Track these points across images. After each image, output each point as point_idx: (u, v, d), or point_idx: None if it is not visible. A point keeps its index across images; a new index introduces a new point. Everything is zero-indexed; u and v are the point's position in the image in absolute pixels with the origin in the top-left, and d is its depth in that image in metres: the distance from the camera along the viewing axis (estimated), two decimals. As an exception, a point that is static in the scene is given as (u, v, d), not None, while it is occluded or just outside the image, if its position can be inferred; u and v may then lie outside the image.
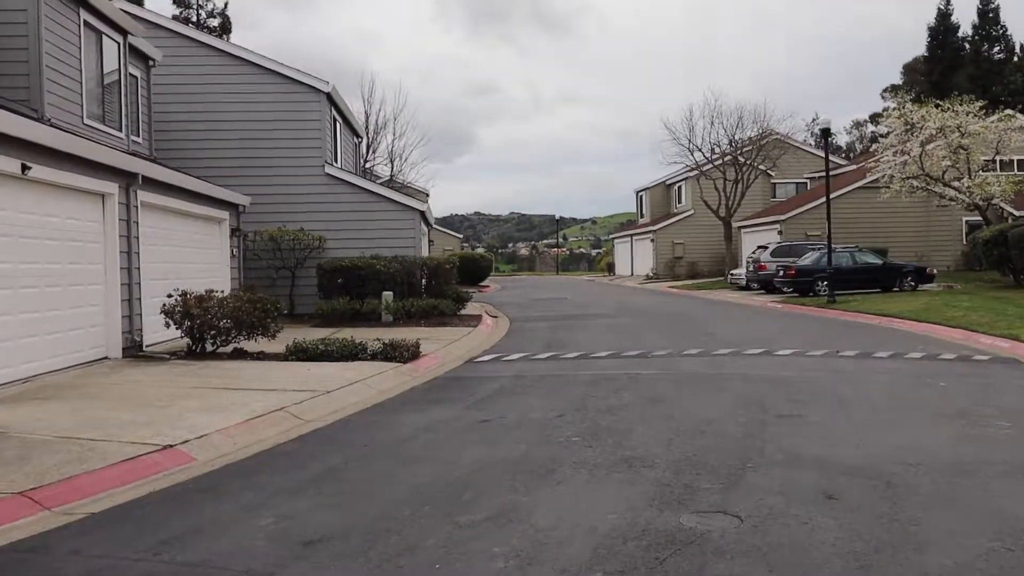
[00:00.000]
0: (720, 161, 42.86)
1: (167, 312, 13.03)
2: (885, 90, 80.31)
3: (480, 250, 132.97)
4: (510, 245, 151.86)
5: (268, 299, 13.94)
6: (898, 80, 79.89)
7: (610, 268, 65.33)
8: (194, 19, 54.40)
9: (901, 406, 8.67)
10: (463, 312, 22.80)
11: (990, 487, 5.59)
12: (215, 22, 55.50)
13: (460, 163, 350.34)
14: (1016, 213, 36.46)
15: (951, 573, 4.13)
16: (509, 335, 18.35)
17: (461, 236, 63.62)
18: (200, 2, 55.59)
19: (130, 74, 16.39)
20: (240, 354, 13.33)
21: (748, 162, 42.05)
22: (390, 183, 41.20)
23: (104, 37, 14.80)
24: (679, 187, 52.76)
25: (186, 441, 7.52)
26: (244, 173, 21.51)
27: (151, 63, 18.29)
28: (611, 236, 70.09)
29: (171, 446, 7.28)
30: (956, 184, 31.98)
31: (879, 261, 29.75)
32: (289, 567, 4.39)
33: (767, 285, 31.12)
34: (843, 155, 73.03)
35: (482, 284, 49.22)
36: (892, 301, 23.48)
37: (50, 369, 11.08)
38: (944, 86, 57.60)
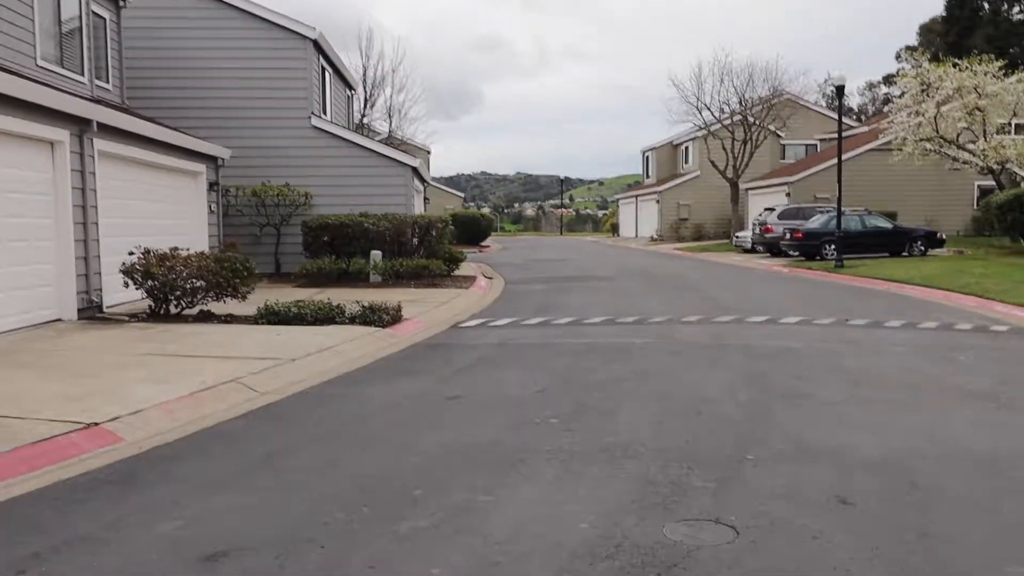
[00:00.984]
0: (729, 120, 41.59)
1: (126, 272, 12.14)
2: (900, 51, 78.54)
3: (485, 210, 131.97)
4: (516, 205, 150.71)
5: (238, 258, 13.04)
6: (914, 41, 77.88)
7: (614, 229, 64.26)
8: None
9: (919, 384, 7.79)
10: (457, 273, 21.91)
11: (1033, 490, 4.73)
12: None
13: (466, 121, 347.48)
14: (1031, 177, 35.25)
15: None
16: (501, 298, 17.47)
17: (463, 195, 62.47)
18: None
19: (97, 15, 15.35)
20: (206, 317, 12.47)
21: (757, 122, 40.80)
22: (388, 139, 40.10)
23: (65, -27, 13.76)
24: (686, 147, 51.51)
25: (116, 418, 6.67)
26: (225, 124, 20.48)
27: (121, 4, 17.19)
28: (616, 197, 68.89)
29: (96, 424, 6.43)
30: (971, 147, 30.86)
31: (889, 225, 28.75)
32: (177, 590, 3.56)
33: (773, 248, 30.17)
34: (855, 117, 71.42)
35: (483, 244, 48.27)
36: (902, 266, 22.54)
37: (-8, 331, 10.24)
38: (961, 47, 55.93)
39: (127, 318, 12.32)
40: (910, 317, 12.86)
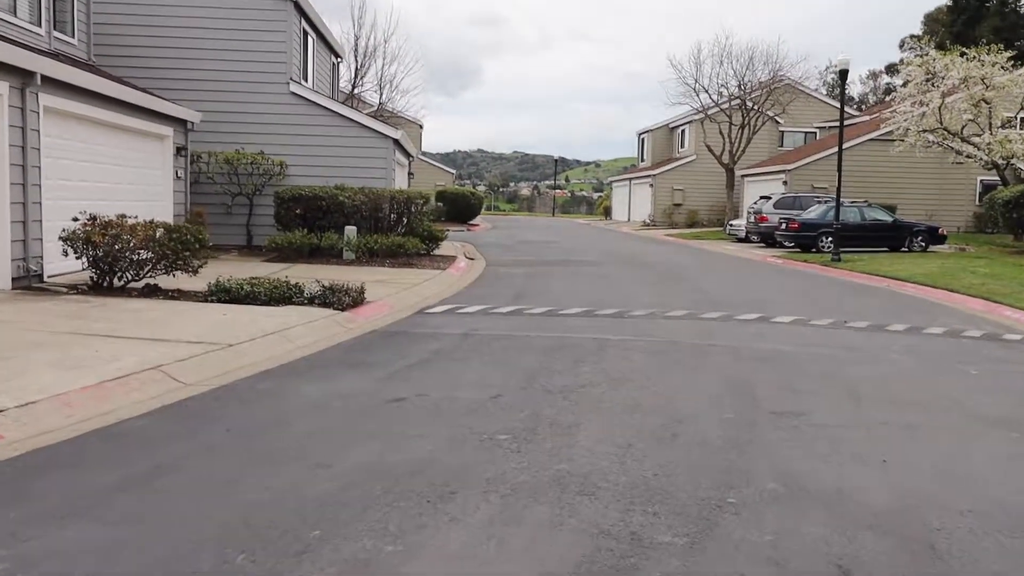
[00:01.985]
0: (727, 104, 40.50)
1: (66, 239, 11.12)
2: (905, 39, 77.33)
3: (481, 188, 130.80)
4: (512, 184, 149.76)
5: (189, 229, 12.02)
6: (918, 30, 76.77)
7: (607, 212, 63.22)
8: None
9: (931, 403, 6.86)
10: (437, 252, 20.93)
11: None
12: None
13: (465, 98, 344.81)
14: (1034, 174, 34.32)
15: None
16: (479, 281, 16.50)
17: (454, 171, 61.26)
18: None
19: (54, -39, 14.22)
20: (151, 292, 11.47)
21: (756, 107, 39.72)
22: (379, 111, 38.91)
23: (13, -88, 12.64)
24: (682, 131, 50.41)
25: (1, 411, 5.73)
26: (199, 87, 19.41)
27: (85, -47, 16.05)
28: (611, 180, 67.77)
29: (-32, 419, 5.48)
30: (976, 140, 29.91)
31: (889, 218, 27.80)
32: None
33: (768, 238, 29.21)
34: (856, 106, 70.30)
35: (472, 222, 47.20)
36: (902, 262, 21.62)
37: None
38: (966, 37, 54.78)
39: (65, 290, 11.33)
40: (914, 320, 11.94)
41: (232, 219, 19.75)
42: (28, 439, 5.42)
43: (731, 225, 34.76)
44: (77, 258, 11.32)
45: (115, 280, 11.50)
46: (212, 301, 11.00)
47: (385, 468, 4.78)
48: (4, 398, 6.02)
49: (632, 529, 3.91)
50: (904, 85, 33.15)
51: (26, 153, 11.26)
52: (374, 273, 15.93)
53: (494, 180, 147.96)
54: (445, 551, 3.67)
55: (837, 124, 47.26)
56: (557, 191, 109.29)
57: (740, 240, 32.33)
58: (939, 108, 30.27)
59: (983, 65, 29.66)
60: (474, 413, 6.05)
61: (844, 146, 35.65)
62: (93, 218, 11.33)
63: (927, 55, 31.48)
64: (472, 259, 21.65)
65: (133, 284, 11.66)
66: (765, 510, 4.23)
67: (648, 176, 49.70)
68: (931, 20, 70.63)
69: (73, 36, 16.11)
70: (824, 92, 62.99)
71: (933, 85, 30.73)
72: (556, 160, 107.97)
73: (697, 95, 41.14)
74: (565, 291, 14.55)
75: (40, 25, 14.05)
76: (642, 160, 56.35)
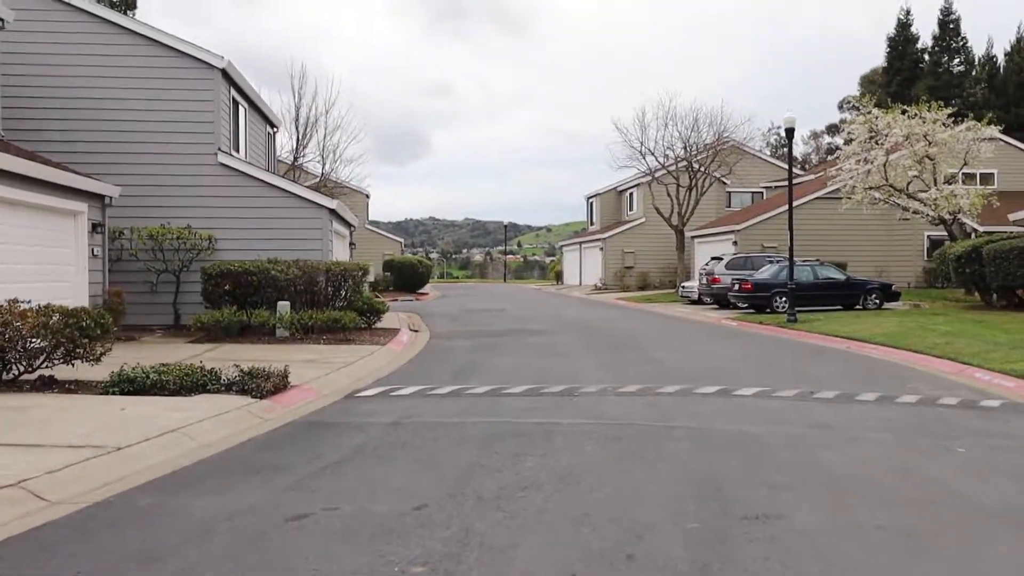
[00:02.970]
0: (674, 166, 40.42)
1: (-55, 328, 9.89)
2: (843, 101, 79.21)
3: (434, 255, 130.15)
4: (464, 251, 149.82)
5: (91, 313, 10.84)
6: (855, 91, 78.82)
7: (558, 277, 62.70)
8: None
9: (921, 496, 5.94)
10: (378, 325, 19.87)
11: None
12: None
13: (416, 167, 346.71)
14: (980, 228, 34.53)
15: None
16: (420, 356, 15.45)
17: (402, 240, 60.33)
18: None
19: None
20: (46, 384, 10.22)
21: (703, 168, 39.68)
22: (322, 182, 38.09)
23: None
24: (630, 194, 50.35)
25: None
26: (120, 160, 18.39)
27: (-7, 21, 15.06)
28: (561, 244, 67.46)
29: None
30: (922, 195, 29.97)
31: (842, 276, 27.48)
32: None
33: (721, 300, 28.69)
34: (799, 166, 71.37)
35: (420, 292, 46.23)
36: (859, 321, 21.08)
37: None
38: (902, 97, 56.03)
39: (-57, 386, 10.03)
40: (883, 387, 11.15)
41: (158, 297, 18.52)
42: None
43: (683, 287, 34.24)
44: (-39, 349, 10.06)
45: (3, 373, 10.24)
46: (113, 393, 9.80)
47: (260, 629, 3.69)
48: None
49: None
50: (848, 143, 33.34)
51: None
52: (307, 351, 14.83)
53: (446, 247, 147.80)
54: None
55: (783, 183, 47.68)
56: (509, 256, 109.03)
57: (693, 302, 31.78)
58: (884, 165, 30.37)
59: (924, 122, 29.90)
60: (390, 534, 4.98)
61: (793, 205, 35.74)
62: (-19, 304, 10.13)
63: (869, 113, 31.68)
64: (416, 331, 20.63)
65: (26, 376, 10.42)
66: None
67: (598, 240, 49.36)
68: (867, 81, 72.45)
69: (-22, 108, 15.03)
70: (768, 153, 63.84)
71: (877, 143, 30.89)
72: (506, 226, 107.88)
73: (644, 158, 41.09)
74: (510, 366, 13.56)
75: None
76: (592, 224, 56.14)
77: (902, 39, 63.76)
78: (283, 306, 17.03)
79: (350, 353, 14.70)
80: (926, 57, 63.52)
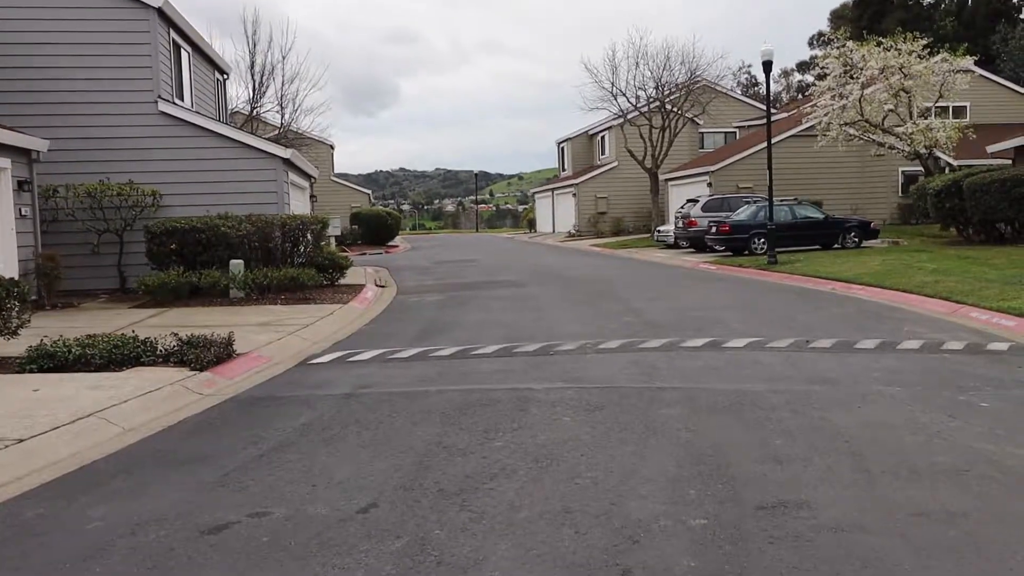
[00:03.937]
0: (646, 107, 39.19)
1: None
2: (813, 37, 77.95)
3: (405, 207, 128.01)
4: (436, 202, 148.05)
5: (3, 281, 9.69)
6: (825, 27, 77.48)
7: (531, 225, 61.54)
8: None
9: (960, 466, 5.07)
10: (342, 282, 18.80)
11: None
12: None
13: (385, 117, 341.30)
14: (954, 163, 33.87)
15: None
16: (384, 314, 14.45)
17: (370, 192, 58.68)
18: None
19: None
20: (-45, 363, 9.12)
21: (676, 108, 38.49)
22: (283, 133, 36.52)
23: None
24: (602, 137, 49.10)
25: None
26: (50, 111, 16.91)
27: None
28: (534, 191, 66.15)
29: None
30: (898, 130, 29.17)
31: (820, 215, 26.69)
32: None
33: (698, 243, 27.82)
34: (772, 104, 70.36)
35: (390, 244, 45.00)
36: (841, 261, 20.31)
37: None
38: (873, 32, 54.85)
39: None
40: (881, 332, 10.34)
41: (101, 260, 17.23)
42: None
43: (659, 231, 33.35)
44: None
45: (-91, 351, 9.13)
46: (30, 371, 8.71)
47: None
48: None
49: None
50: (821, 78, 32.34)
51: None
52: (262, 313, 13.77)
53: (418, 198, 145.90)
54: None
55: (756, 122, 46.68)
56: (481, 206, 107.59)
57: (669, 246, 30.92)
58: (859, 100, 29.48)
59: (900, 54, 28.98)
60: (327, 549, 4.03)
61: (765, 144, 34.78)
62: None
63: (844, 47, 30.68)
64: (382, 286, 19.58)
65: (-66, 354, 9.31)
66: None
67: (570, 185, 48.21)
68: (837, 17, 71.12)
69: None
70: (739, 92, 62.63)
71: (852, 77, 29.98)
72: (476, 174, 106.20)
73: (615, 99, 39.73)
74: (481, 322, 12.60)
75: None
76: (563, 170, 54.91)
77: (872, -29, 62.42)
78: (235, 265, 15.89)
79: (309, 313, 13.67)
80: (897, -11, 62.33)
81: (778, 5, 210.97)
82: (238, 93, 46.32)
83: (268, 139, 21.56)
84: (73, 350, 8.85)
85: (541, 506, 4.50)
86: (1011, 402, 6.67)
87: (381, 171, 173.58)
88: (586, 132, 51.54)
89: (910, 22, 57.56)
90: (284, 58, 37.76)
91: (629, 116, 39.49)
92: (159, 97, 17.59)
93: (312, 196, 25.24)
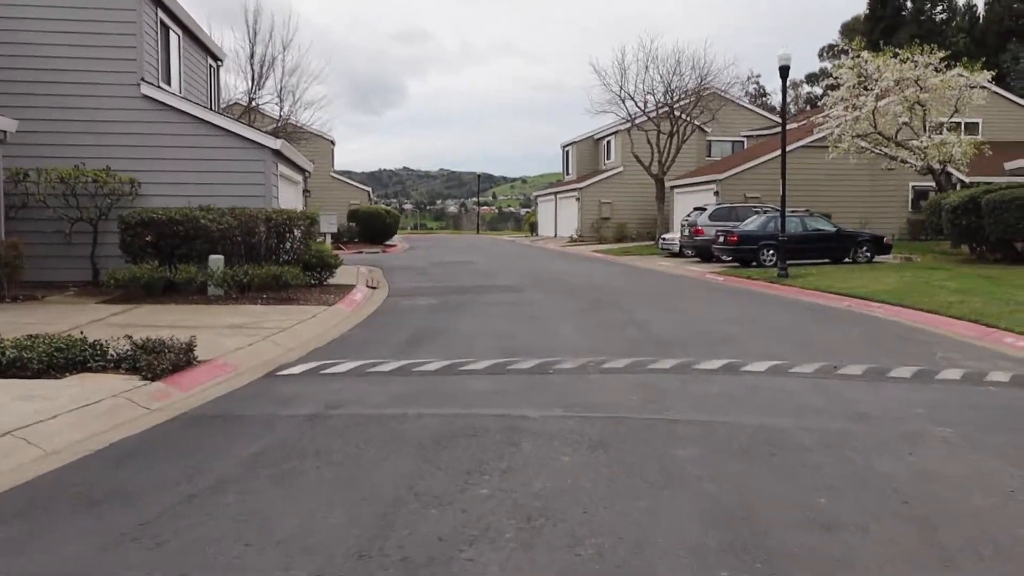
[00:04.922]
0: (654, 112, 38.22)
1: None
2: (823, 49, 77.12)
3: (408, 206, 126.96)
4: (439, 202, 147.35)
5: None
6: (836, 40, 76.62)
7: (533, 228, 60.52)
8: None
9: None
10: (331, 281, 17.82)
11: None
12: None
13: (391, 116, 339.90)
14: (966, 179, 32.94)
15: None
16: (372, 319, 13.45)
17: (369, 189, 57.51)
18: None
19: None
20: None
21: (684, 115, 37.51)
22: (282, 126, 35.57)
23: None
24: (608, 142, 48.15)
25: None
26: (23, 91, 15.97)
27: None
28: (536, 194, 65.10)
29: None
30: (912, 144, 28.22)
31: (832, 228, 25.74)
32: None
33: (704, 252, 26.84)
34: (778, 114, 69.54)
35: (388, 243, 44.01)
36: (855, 276, 19.34)
37: None
38: (884, 46, 54.16)
39: None
40: (911, 357, 9.35)
41: (73, 250, 16.21)
42: None
43: (664, 239, 32.36)
44: None
45: None
46: (-42, 374, 7.71)
47: None
48: None
49: None
50: (834, 88, 31.40)
51: None
52: (238, 314, 12.78)
53: (420, 198, 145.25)
54: None
55: (765, 132, 45.75)
56: (483, 208, 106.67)
57: (673, 255, 29.95)
58: (873, 112, 28.54)
59: (916, 66, 28.06)
60: (244, 647, 3.03)
61: (776, 154, 33.71)
62: None
63: (859, 57, 29.77)
64: (374, 287, 18.58)
65: None
66: None
67: (574, 190, 47.24)
68: (848, 30, 70.32)
69: None
70: (747, 101, 61.67)
71: (866, 88, 29.05)
72: (479, 176, 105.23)
73: (623, 102, 38.77)
74: (474, 330, 11.61)
75: None
76: (567, 174, 53.95)
77: (886, -15, 61.65)
78: (215, 260, 14.89)
79: (289, 315, 12.67)
80: (908, 4, 61.58)
81: (787, 18, 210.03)
82: (237, 84, 45.17)
83: (267, 132, 20.55)
84: (7, 352, 7.85)
85: (531, 590, 3.50)
86: (1086, 452, 5.68)
87: (385, 169, 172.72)
88: (592, 136, 50.62)
89: (922, 37, 56.57)
90: (285, 49, 36.64)
91: (637, 120, 38.55)
92: (142, 80, 16.61)
93: (306, 191, 24.24)
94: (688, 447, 5.65)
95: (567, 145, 53.70)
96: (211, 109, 20.47)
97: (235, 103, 35.71)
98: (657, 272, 24.28)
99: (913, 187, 35.88)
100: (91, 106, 16.41)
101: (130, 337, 8.66)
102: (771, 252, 23.54)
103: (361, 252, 36.43)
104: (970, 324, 12.00)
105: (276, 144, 17.37)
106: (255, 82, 36.39)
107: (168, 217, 15.11)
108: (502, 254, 34.56)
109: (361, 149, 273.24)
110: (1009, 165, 24.87)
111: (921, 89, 28.01)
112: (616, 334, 11.24)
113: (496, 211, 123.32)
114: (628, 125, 39.22)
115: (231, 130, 17.24)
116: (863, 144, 29.30)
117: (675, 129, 37.00)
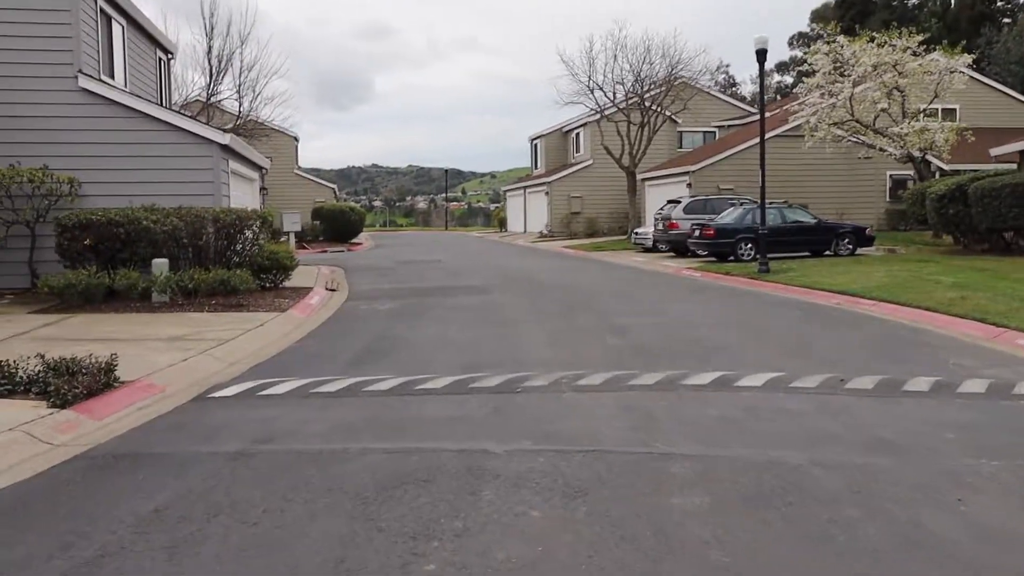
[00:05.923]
0: (624, 103, 37.29)
1: None
2: (793, 38, 76.61)
3: (377, 203, 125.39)
4: (408, 198, 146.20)
5: None
6: (805, 28, 76.17)
7: (502, 224, 59.49)
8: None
9: None
10: (287, 284, 16.70)
11: None
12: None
13: (358, 112, 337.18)
14: (946, 167, 32.37)
15: None
16: (325, 326, 12.39)
17: (335, 186, 56.14)
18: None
19: None
20: None
21: (655, 105, 36.60)
22: (243, 123, 34.20)
23: None
24: (577, 134, 47.18)
25: None
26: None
27: None
28: (505, 189, 64.07)
29: None
30: (891, 131, 27.52)
31: (812, 220, 24.94)
32: None
33: (678, 247, 25.97)
34: (749, 104, 68.95)
35: (354, 242, 42.85)
36: (840, 270, 18.54)
37: None
38: (855, 34, 53.73)
39: None
40: (921, 365, 8.47)
41: (9, 255, 14.98)
42: None
43: (636, 233, 31.47)
44: None
45: None
46: None
47: None
48: None
49: None
50: (808, 76, 30.67)
51: None
52: (180, 323, 11.67)
53: (389, 195, 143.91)
54: None
55: (736, 122, 45.00)
56: (452, 203, 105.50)
57: (647, 250, 29.07)
58: (850, 99, 27.81)
59: (894, 50, 27.34)
60: None
61: (747, 144, 33.01)
62: None
63: (834, 42, 29.04)
64: (333, 290, 17.50)
65: None
66: None
67: (543, 184, 46.24)
68: (818, 17, 69.83)
69: None
70: (717, 90, 60.92)
71: (842, 74, 28.31)
72: (447, 171, 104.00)
73: (592, 93, 37.76)
74: (436, 339, 10.59)
75: None
76: (536, 167, 52.92)
77: (856, -29, 61.20)
78: (159, 264, 13.74)
79: (236, 324, 11.58)
80: (879, -11, 61.17)
81: (755, 9, 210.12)
82: (196, 80, 43.70)
83: (227, 129, 19.38)
84: None
85: None
86: None
87: (353, 166, 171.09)
88: (560, 129, 49.63)
89: (894, 23, 56.47)
90: (244, 43, 35.21)
91: (606, 111, 37.60)
92: (80, 72, 15.39)
93: (263, 189, 23.09)
94: (686, 493, 4.67)
95: (535, 138, 52.67)
96: (161, 104, 19.27)
97: (195, 100, 34.36)
98: (632, 268, 23.36)
99: (891, 176, 35.29)
100: (26, 100, 15.22)
101: (42, 356, 7.56)
102: (749, 246, 22.72)
103: (325, 251, 35.26)
104: (975, 323, 11.13)
105: (225, 139, 16.21)
106: (213, 77, 35.03)
107: (108, 219, 13.94)
108: (470, 252, 33.52)
109: (330, 147, 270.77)
110: (995, 151, 24.20)
111: (900, 74, 27.35)
112: (592, 341, 10.27)
113: (466, 207, 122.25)
114: (597, 116, 38.27)
115: (177, 125, 16.07)
116: (840, 132, 28.60)
117: (646, 120, 36.09)
